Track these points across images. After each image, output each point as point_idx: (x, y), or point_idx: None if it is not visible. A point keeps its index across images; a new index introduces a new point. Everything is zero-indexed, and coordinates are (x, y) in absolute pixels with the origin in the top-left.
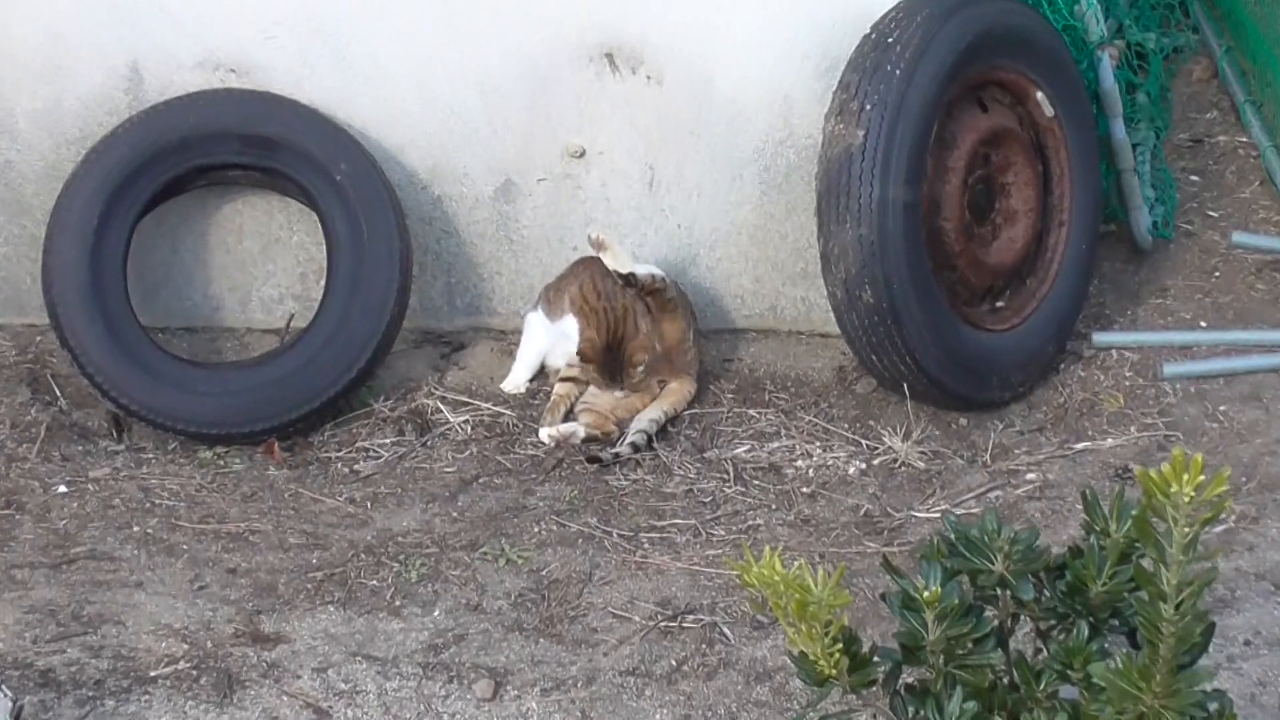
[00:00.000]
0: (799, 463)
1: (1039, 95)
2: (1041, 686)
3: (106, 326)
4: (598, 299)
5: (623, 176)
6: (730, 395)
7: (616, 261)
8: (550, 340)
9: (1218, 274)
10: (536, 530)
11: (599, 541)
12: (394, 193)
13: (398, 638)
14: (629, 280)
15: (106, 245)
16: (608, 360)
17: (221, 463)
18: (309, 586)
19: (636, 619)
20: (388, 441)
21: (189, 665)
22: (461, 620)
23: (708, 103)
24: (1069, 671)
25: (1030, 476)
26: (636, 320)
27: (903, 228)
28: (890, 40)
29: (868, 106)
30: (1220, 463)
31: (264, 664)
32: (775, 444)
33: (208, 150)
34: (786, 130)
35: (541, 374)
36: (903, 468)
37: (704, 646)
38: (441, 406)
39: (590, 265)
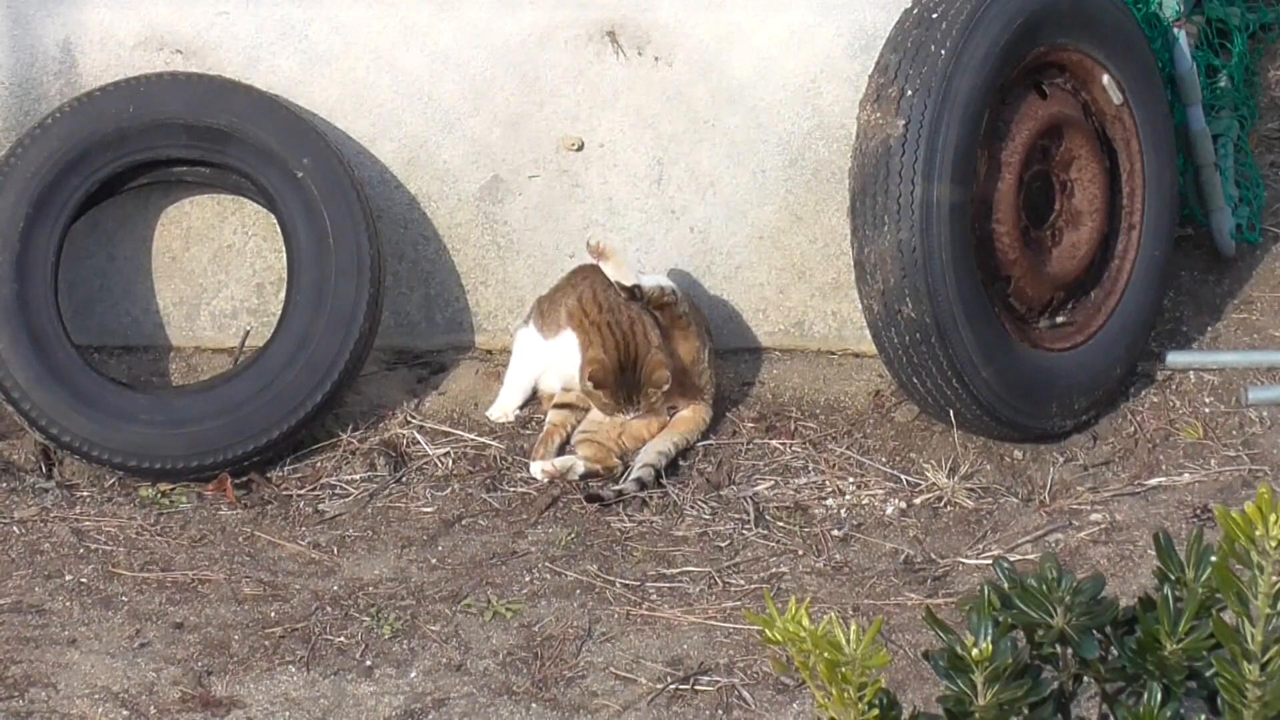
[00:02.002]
0: (829, 502)
1: (1106, 79)
2: None
3: (34, 346)
4: (599, 312)
5: (627, 172)
6: (750, 424)
7: (619, 271)
8: (544, 360)
9: None
10: (528, 579)
11: (599, 592)
12: (363, 191)
13: (368, 703)
14: (633, 293)
15: (34, 253)
16: (623, 382)
17: (166, 502)
18: (266, 644)
19: (643, 681)
20: (357, 477)
21: None
22: (442, 683)
23: (724, 87)
24: None
25: (1095, 517)
26: (646, 332)
27: (949, 232)
28: (935, 15)
29: (909, 92)
30: None
31: None
32: (802, 480)
33: (150, 143)
34: (815, 119)
35: (534, 400)
36: (948, 507)
37: (720, 712)
38: (419, 437)
39: (590, 274)
